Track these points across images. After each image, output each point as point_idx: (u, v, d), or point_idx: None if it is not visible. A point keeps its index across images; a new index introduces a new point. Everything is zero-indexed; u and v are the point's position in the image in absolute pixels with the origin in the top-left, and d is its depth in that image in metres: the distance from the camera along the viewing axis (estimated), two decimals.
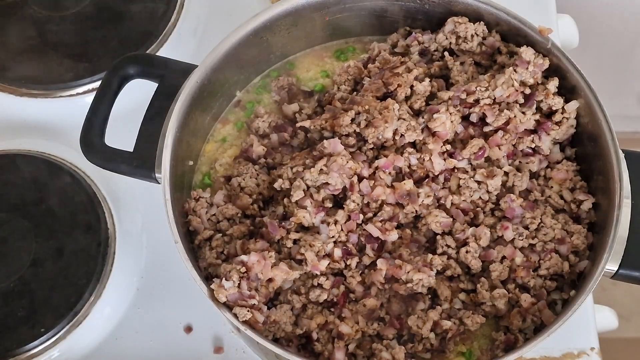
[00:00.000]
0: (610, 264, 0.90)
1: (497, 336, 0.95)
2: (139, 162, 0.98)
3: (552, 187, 1.01)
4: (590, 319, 1.14)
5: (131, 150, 0.99)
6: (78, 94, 1.29)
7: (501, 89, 0.98)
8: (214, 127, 1.10)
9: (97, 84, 1.29)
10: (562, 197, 1.00)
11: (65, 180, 1.19)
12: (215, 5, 1.39)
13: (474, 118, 1.01)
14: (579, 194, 0.99)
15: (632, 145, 1.00)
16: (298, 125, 1.04)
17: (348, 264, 0.96)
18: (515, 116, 0.99)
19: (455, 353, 0.95)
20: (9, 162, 1.22)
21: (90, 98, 1.31)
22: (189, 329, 1.13)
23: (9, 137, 1.27)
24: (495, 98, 0.99)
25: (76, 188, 1.19)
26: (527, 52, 0.99)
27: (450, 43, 1.06)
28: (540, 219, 0.97)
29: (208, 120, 1.08)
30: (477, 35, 1.04)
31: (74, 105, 1.29)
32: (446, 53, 1.06)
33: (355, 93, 1.05)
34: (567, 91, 1.01)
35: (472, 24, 1.04)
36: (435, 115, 0.98)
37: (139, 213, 1.21)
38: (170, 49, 1.31)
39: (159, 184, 0.96)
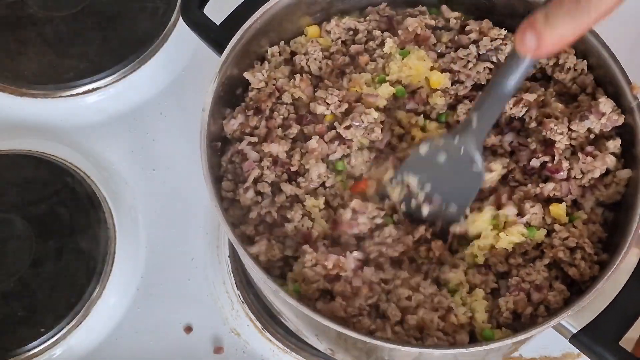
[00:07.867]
0: (574, 326, 0.88)
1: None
2: (217, 35, 1.01)
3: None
4: None
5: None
6: (78, 94, 1.29)
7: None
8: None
9: (98, 83, 1.29)
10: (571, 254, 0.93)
11: (65, 180, 1.19)
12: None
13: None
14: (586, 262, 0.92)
15: None
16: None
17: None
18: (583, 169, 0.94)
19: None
20: (9, 162, 1.21)
21: (90, 98, 1.31)
22: (189, 329, 1.13)
23: (9, 137, 1.27)
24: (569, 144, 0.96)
25: (76, 188, 1.19)
26: (605, 104, 0.94)
27: (547, 64, 1.01)
28: (533, 262, 0.92)
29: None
30: (575, 70, 1.00)
31: (74, 105, 1.28)
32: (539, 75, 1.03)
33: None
34: (629, 157, 0.96)
35: (575, 57, 1.00)
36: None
37: (139, 213, 1.21)
38: (170, 49, 1.31)
39: None
